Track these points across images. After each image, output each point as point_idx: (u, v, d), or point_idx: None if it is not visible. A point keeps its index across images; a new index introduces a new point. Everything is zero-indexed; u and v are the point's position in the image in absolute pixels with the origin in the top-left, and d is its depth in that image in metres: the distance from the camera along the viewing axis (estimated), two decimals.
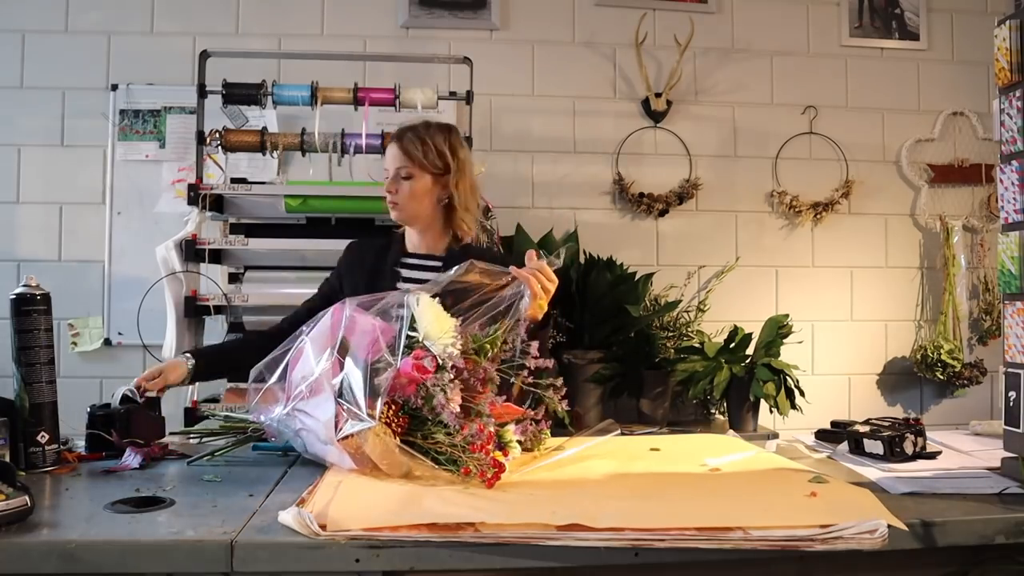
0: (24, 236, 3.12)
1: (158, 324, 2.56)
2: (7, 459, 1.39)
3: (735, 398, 2.91)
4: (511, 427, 1.51)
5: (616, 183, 3.31)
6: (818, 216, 3.37)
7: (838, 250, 3.42)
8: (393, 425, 1.36)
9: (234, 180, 2.65)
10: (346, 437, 1.35)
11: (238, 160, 2.97)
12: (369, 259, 2.04)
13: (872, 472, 1.51)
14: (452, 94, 2.81)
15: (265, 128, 2.74)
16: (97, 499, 1.27)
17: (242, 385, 2.01)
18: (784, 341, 2.95)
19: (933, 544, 1.18)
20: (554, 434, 1.64)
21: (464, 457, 1.33)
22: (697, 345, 3.02)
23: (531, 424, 1.56)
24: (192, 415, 2.41)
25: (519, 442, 1.53)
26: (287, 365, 1.48)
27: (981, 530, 1.22)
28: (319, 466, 1.44)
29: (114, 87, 3.13)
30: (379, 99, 2.68)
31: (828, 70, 3.43)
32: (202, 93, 2.67)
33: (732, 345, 2.96)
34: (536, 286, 1.57)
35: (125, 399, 1.68)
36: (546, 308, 1.64)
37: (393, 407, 1.37)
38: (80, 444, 1.63)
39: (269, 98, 2.66)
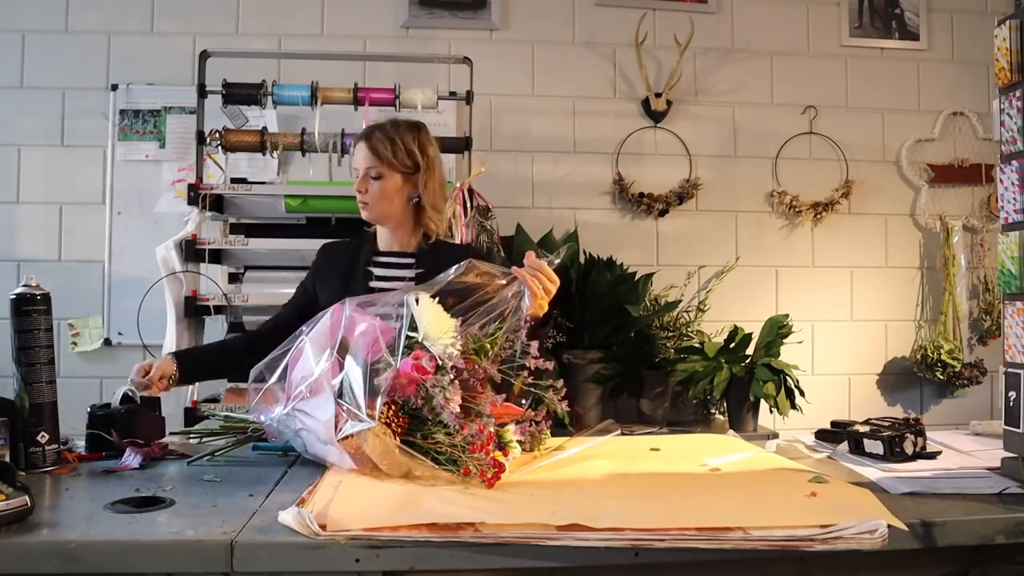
0: (24, 236, 3.12)
1: (158, 324, 2.56)
2: (7, 459, 1.39)
3: (735, 398, 2.91)
4: (511, 427, 1.51)
5: (616, 183, 3.31)
6: (818, 216, 3.37)
7: (838, 250, 3.42)
8: (393, 425, 1.36)
9: (234, 180, 2.65)
10: (346, 437, 1.35)
11: (238, 160, 2.97)
12: (343, 260, 2.04)
13: (872, 472, 1.51)
14: (452, 94, 2.81)
15: (265, 128, 2.74)
16: (97, 499, 1.27)
17: (242, 385, 2.01)
18: (784, 341, 2.95)
19: (933, 544, 1.18)
20: (554, 434, 1.64)
21: (464, 457, 1.33)
22: (697, 345, 3.02)
23: (531, 424, 1.56)
24: (192, 415, 2.41)
25: (519, 442, 1.53)
26: (287, 365, 1.48)
27: (981, 530, 1.22)
28: (319, 466, 1.44)
29: (114, 87, 3.13)
30: (379, 99, 2.68)
31: (828, 70, 3.43)
32: (202, 93, 2.67)
33: (732, 345, 2.96)
34: (535, 286, 1.57)
35: (125, 399, 1.68)
36: (547, 307, 1.64)
37: (393, 407, 1.37)
38: (80, 444, 1.63)
39: (269, 98, 2.67)
